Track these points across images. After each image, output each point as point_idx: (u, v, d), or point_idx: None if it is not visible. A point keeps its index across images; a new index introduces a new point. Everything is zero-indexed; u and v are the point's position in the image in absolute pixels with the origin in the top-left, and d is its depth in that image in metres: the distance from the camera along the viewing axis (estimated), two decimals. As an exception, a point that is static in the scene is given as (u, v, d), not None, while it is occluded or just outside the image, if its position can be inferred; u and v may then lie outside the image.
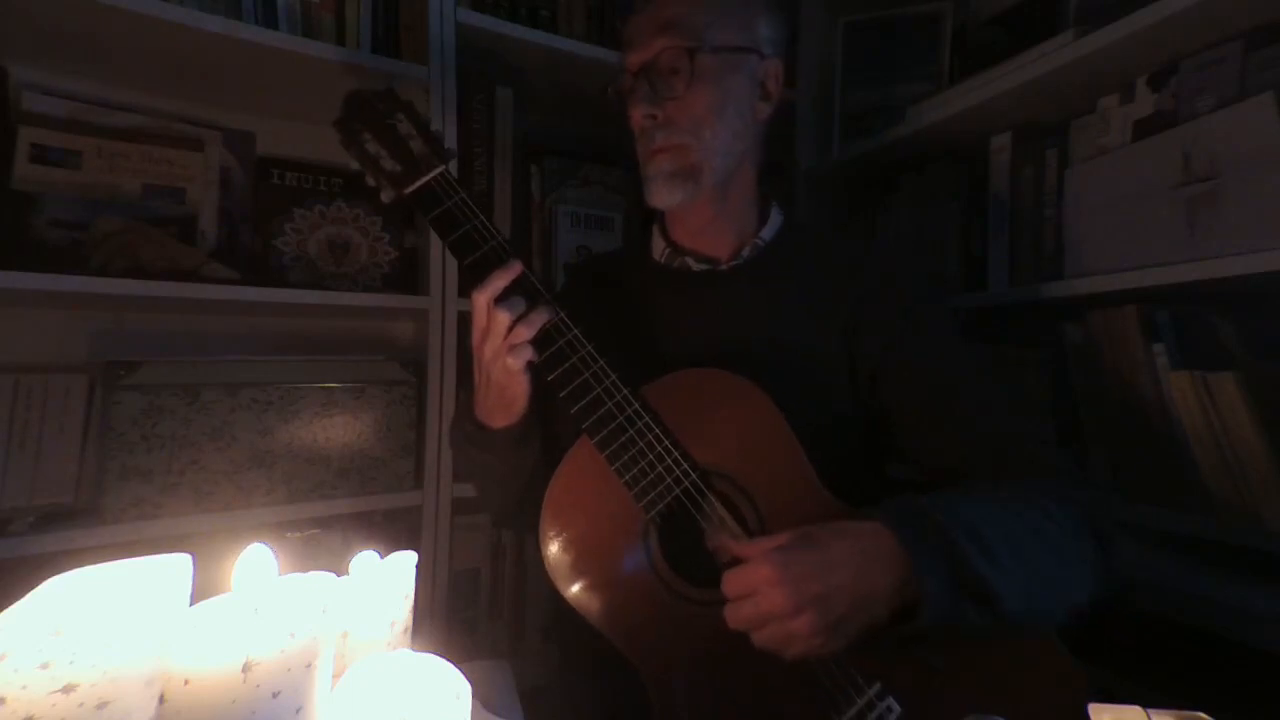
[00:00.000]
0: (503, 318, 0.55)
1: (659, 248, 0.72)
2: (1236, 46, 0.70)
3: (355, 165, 0.62)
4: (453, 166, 0.62)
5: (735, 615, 0.47)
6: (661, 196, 0.65)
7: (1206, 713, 0.32)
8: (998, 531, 0.49)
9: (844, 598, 0.45)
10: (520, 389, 0.59)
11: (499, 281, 0.56)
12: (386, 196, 0.61)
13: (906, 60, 1.09)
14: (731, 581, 0.47)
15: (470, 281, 0.58)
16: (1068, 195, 0.85)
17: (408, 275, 0.99)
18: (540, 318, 0.56)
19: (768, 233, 0.70)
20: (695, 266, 0.69)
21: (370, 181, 0.61)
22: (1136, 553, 0.77)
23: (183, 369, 0.78)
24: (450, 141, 0.88)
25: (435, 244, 0.87)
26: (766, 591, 0.45)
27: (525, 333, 0.55)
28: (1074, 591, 0.52)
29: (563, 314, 0.57)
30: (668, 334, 0.68)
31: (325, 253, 0.94)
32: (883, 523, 0.48)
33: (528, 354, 0.56)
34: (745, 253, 0.68)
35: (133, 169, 0.84)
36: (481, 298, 0.56)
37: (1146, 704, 0.33)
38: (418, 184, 0.59)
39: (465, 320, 0.89)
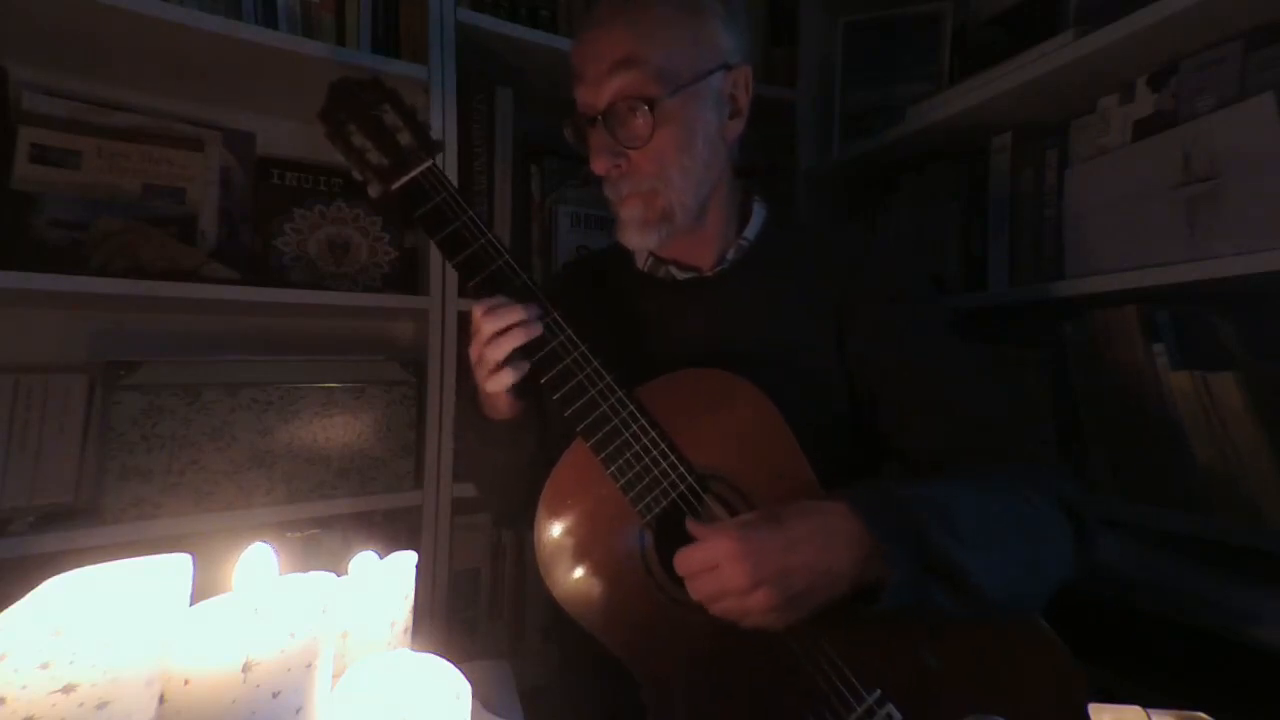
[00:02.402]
0: (487, 328, 0.55)
1: (642, 257, 0.71)
2: (1236, 46, 0.70)
3: (341, 159, 0.60)
4: (441, 160, 0.61)
5: (695, 588, 0.48)
6: (636, 241, 0.63)
7: (1206, 713, 0.32)
8: (967, 511, 0.49)
9: (803, 574, 0.46)
10: (501, 400, 0.60)
11: (496, 303, 0.56)
12: (374, 192, 0.59)
13: (906, 60, 1.09)
14: (690, 555, 0.48)
15: (462, 280, 0.58)
16: (1068, 195, 0.85)
17: (408, 275, 0.99)
18: (517, 340, 0.55)
19: (751, 231, 0.69)
20: (679, 275, 0.68)
21: (357, 176, 0.60)
22: (1136, 552, 0.77)
23: (183, 369, 0.78)
24: (450, 141, 0.88)
25: (435, 244, 0.87)
26: (726, 565, 0.46)
27: (500, 351, 0.55)
28: (1048, 573, 0.52)
29: (555, 315, 0.57)
30: (662, 336, 0.67)
31: (325, 253, 0.94)
32: (847, 501, 0.48)
33: (507, 380, 0.56)
34: (730, 255, 0.67)
35: (133, 169, 0.84)
36: (479, 309, 0.56)
37: (1146, 704, 0.33)
38: (405, 179, 0.58)
39: (465, 320, 0.89)
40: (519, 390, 0.60)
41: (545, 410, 0.65)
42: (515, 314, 0.55)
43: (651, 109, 0.57)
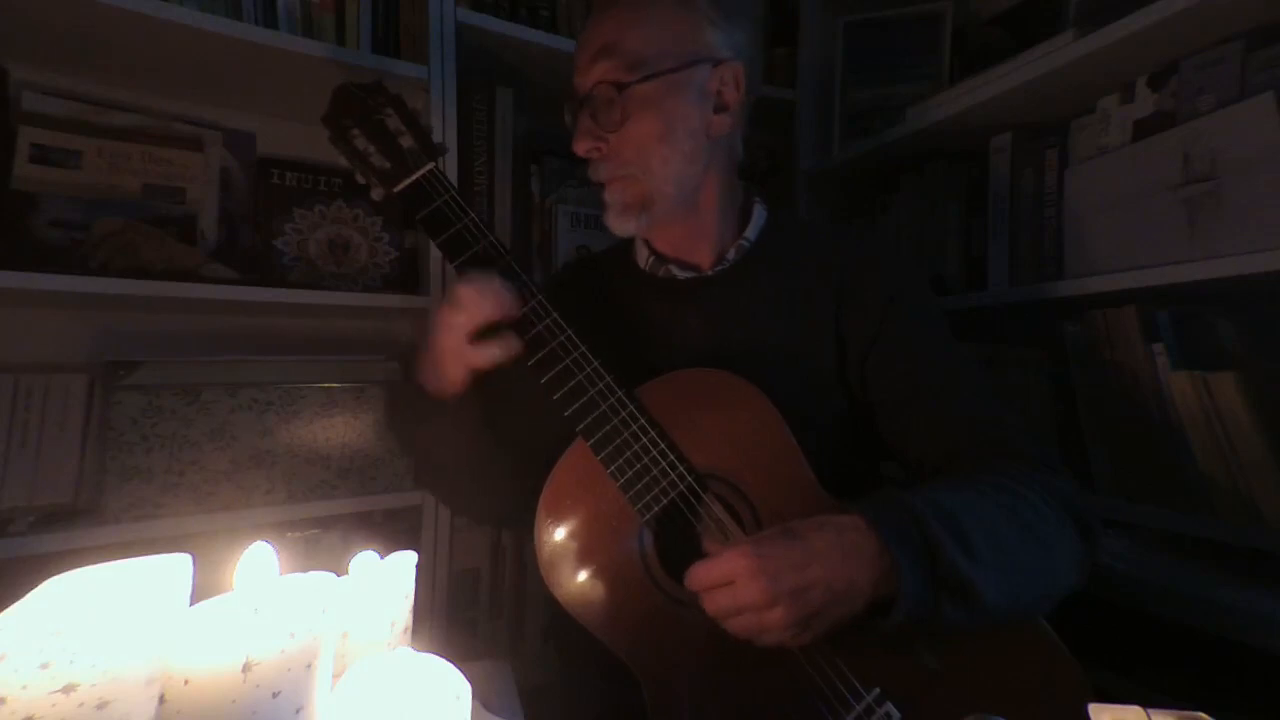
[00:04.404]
0: (473, 306, 0.54)
1: (643, 255, 0.71)
2: (1236, 46, 0.70)
3: (343, 161, 0.60)
4: (443, 162, 0.61)
5: (711, 603, 0.47)
6: (616, 225, 0.64)
7: (1206, 713, 0.32)
8: (979, 524, 0.49)
9: (819, 591, 0.45)
10: (458, 378, 0.57)
11: (489, 283, 0.55)
12: (377, 195, 0.60)
13: (906, 60, 1.09)
14: (704, 571, 0.47)
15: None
16: (1068, 195, 0.85)
17: (408, 275, 0.99)
18: (493, 315, 0.55)
19: (752, 232, 0.69)
20: (680, 275, 0.68)
21: (360, 179, 0.60)
22: (1137, 553, 0.77)
23: (183, 369, 0.78)
24: (450, 141, 0.88)
25: (435, 244, 0.87)
26: (743, 582, 0.45)
27: (490, 310, 0.54)
28: (1057, 584, 0.52)
29: (555, 314, 0.57)
30: (662, 336, 0.67)
31: (325, 253, 0.94)
32: (863, 516, 0.48)
33: (494, 355, 0.55)
34: (731, 255, 0.67)
35: (133, 169, 0.84)
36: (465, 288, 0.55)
37: (1146, 704, 0.33)
38: (407, 182, 0.58)
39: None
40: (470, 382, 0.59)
41: (499, 394, 0.63)
42: (497, 287, 0.55)
43: (620, 93, 0.59)
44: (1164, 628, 0.69)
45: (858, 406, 0.64)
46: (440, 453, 0.65)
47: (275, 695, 0.25)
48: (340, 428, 0.86)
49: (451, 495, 0.72)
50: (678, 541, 0.55)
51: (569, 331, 0.57)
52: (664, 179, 0.62)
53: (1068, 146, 0.86)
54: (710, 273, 0.68)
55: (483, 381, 0.59)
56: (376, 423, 0.89)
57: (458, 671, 0.29)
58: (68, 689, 0.21)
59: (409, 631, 0.41)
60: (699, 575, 0.47)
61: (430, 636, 0.86)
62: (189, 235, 0.86)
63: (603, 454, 0.54)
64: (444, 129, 0.88)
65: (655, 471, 0.54)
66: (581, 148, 0.63)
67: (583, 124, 0.62)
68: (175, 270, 0.81)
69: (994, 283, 0.93)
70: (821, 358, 0.64)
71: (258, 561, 0.30)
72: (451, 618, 0.92)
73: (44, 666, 0.20)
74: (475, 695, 0.31)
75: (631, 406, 0.55)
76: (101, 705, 0.21)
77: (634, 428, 0.55)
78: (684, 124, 0.62)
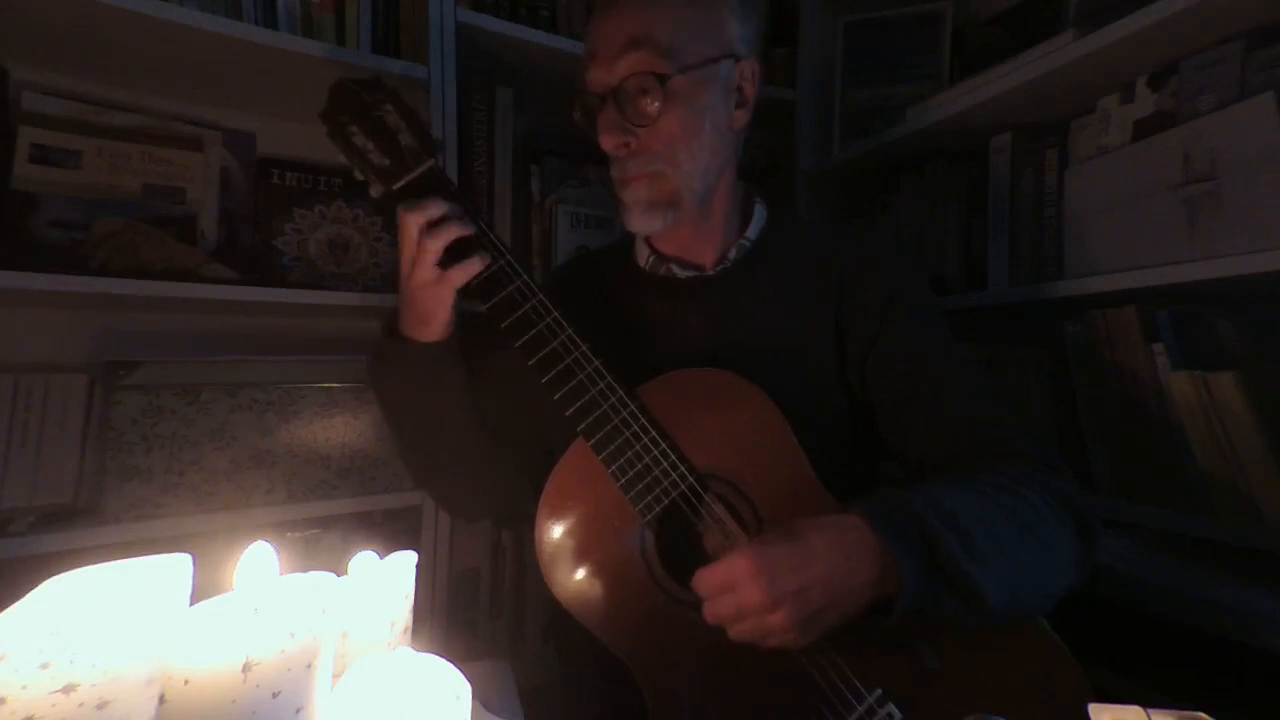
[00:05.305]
0: (430, 244, 0.54)
1: (643, 254, 0.71)
2: (1236, 46, 0.70)
3: (342, 159, 0.60)
4: (441, 159, 0.61)
5: (713, 610, 0.46)
6: (639, 224, 0.63)
7: (1206, 713, 0.32)
8: (979, 523, 0.49)
9: (820, 592, 0.45)
10: (440, 313, 0.58)
11: (434, 208, 0.55)
12: (375, 192, 0.59)
13: (906, 60, 1.09)
14: (707, 576, 0.47)
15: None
16: (1068, 195, 0.85)
17: (408, 275, 0.99)
18: (455, 231, 0.55)
19: (753, 232, 0.69)
20: (681, 274, 0.68)
21: (359, 176, 0.60)
22: (1137, 553, 0.77)
23: (183, 369, 0.78)
24: (450, 141, 0.88)
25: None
26: (744, 585, 0.45)
27: (440, 241, 0.54)
28: (1057, 583, 0.52)
29: (556, 313, 0.57)
30: (662, 335, 0.67)
31: (325, 253, 0.94)
32: (863, 515, 0.48)
33: (457, 279, 0.55)
34: (732, 255, 0.67)
35: (133, 169, 0.84)
36: (413, 220, 0.55)
37: (1146, 704, 0.33)
38: (407, 179, 0.58)
39: (466, 321, 0.89)
40: (456, 321, 0.60)
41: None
42: (440, 208, 0.55)
43: (661, 85, 0.58)
44: (1164, 628, 0.69)
45: (858, 406, 0.64)
46: (422, 410, 0.64)
47: (275, 695, 0.25)
48: (340, 428, 0.86)
49: (434, 467, 0.69)
50: (679, 541, 0.55)
51: (569, 330, 0.57)
52: (691, 174, 0.61)
53: (1068, 146, 0.86)
54: (711, 272, 0.68)
55: (470, 342, 0.61)
56: (376, 422, 0.89)
57: (458, 671, 0.29)
58: (68, 689, 0.21)
59: (409, 631, 0.41)
60: (702, 580, 0.47)
61: (430, 636, 0.86)
62: (189, 235, 0.86)
63: (604, 454, 0.54)
64: (444, 129, 0.88)
65: (656, 471, 0.54)
66: (610, 143, 0.61)
67: (608, 118, 0.60)
68: (175, 270, 0.81)
69: (994, 283, 0.93)
70: (821, 358, 0.64)
71: (258, 561, 0.30)
72: (451, 618, 0.92)
73: (44, 666, 0.20)
74: (475, 695, 0.31)
75: (633, 406, 0.55)
76: (101, 705, 0.21)
77: (635, 428, 0.55)
78: (711, 119, 0.61)
